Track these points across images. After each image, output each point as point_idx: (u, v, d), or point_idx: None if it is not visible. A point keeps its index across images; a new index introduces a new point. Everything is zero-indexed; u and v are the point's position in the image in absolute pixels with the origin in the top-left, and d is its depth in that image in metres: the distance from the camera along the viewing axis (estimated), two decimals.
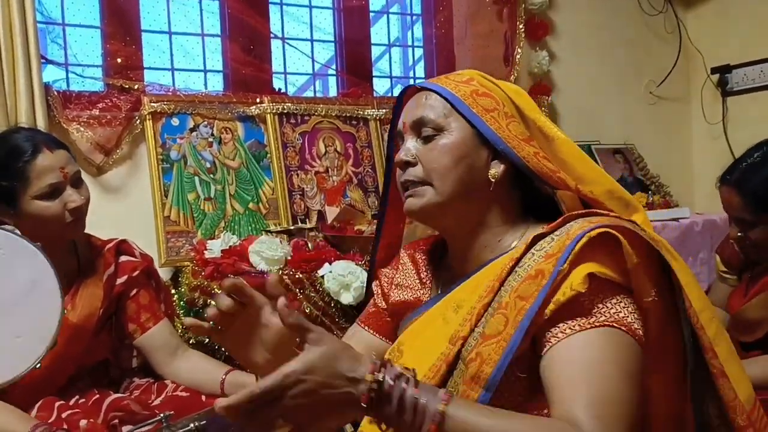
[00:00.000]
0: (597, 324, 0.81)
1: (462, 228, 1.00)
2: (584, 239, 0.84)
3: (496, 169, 0.97)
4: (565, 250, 0.84)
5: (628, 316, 0.82)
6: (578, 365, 0.79)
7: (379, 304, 1.14)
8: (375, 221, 2.19)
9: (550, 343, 0.82)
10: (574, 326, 0.81)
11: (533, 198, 1.00)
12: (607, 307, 0.82)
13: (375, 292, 1.16)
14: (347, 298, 1.77)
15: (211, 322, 0.88)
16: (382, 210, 1.19)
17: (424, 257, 1.12)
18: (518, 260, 0.90)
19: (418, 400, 0.73)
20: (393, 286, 1.12)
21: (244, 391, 0.69)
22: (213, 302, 0.89)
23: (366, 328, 1.15)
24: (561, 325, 0.82)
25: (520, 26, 2.74)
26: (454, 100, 0.98)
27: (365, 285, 1.24)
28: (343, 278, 1.77)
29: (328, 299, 1.79)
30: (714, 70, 3.09)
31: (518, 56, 2.73)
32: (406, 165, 0.99)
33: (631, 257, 0.84)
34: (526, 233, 0.97)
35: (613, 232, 0.84)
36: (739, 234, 1.70)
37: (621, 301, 0.83)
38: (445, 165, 0.96)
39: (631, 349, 0.81)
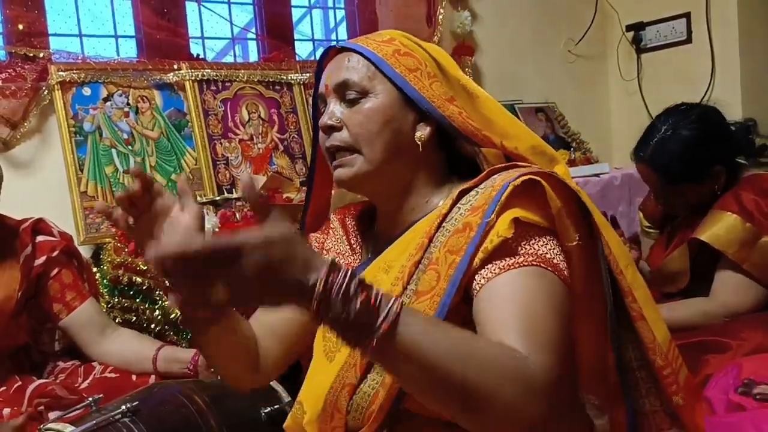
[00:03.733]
0: (524, 263, 0.82)
1: (390, 192, 1.00)
2: (509, 188, 0.85)
3: (422, 132, 0.97)
4: (491, 202, 0.85)
5: (554, 257, 0.84)
6: (507, 300, 0.80)
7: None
8: (304, 188, 2.17)
9: (480, 285, 0.83)
10: (502, 266, 0.82)
11: (456, 157, 1.02)
12: (534, 248, 0.84)
13: None
14: None
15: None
16: (310, 175, 1.16)
17: (353, 222, 1.11)
18: (445, 216, 0.91)
19: (371, 298, 0.67)
20: (323, 251, 1.10)
21: (198, 241, 0.63)
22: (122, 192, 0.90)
23: None
24: (489, 266, 0.83)
25: None
26: (377, 60, 0.97)
27: None
28: None
29: None
30: (629, 28, 3.17)
31: (440, 16, 2.72)
32: (331, 129, 0.97)
33: (554, 201, 0.86)
34: (451, 192, 0.97)
35: (536, 178, 0.86)
36: (660, 201, 1.78)
37: (547, 243, 0.85)
38: (372, 130, 0.95)
39: (558, 287, 0.83)
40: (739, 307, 1.62)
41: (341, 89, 0.98)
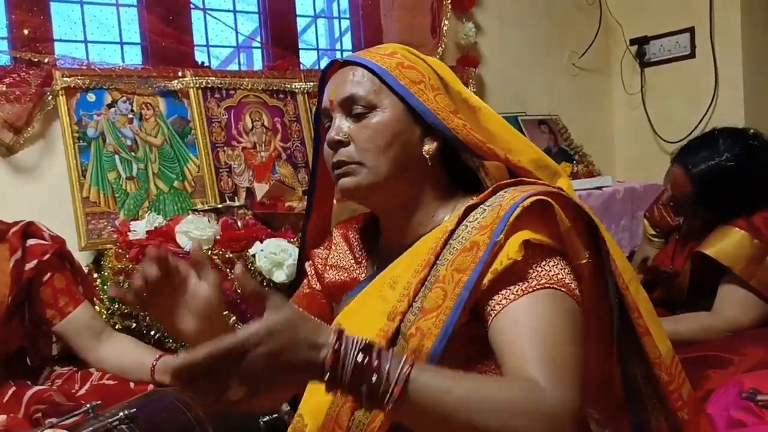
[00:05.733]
0: (537, 287, 0.83)
1: (396, 205, 0.99)
2: (518, 210, 0.85)
3: (430, 146, 0.97)
4: (499, 222, 0.85)
5: (565, 277, 0.84)
6: (525, 328, 0.80)
7: (314, 286, 1.12)
8: (306, 197, 2.17)
9: (495, 311, 0.83)
10: (516, 291, 0.83)
11: (459, 171, 1.01)
12: (545, 270, 0.84)
13: (309, 273, 1.14)
14: (280, 276, 1.74)
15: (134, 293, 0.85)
16: (311, 188, 1.16)
17: (357, 236, 1.10)
18: (452, 232, 0.90)
19: (380, 364, 0.70)
20: (327, 267, 1.10)
21: (201, 350, 0.64)
22: (137, 272, 0.86)
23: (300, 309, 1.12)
24: (503, 291, 0.83)
25: None
26: (382, 73, 0.96)
27: (297, 264, 1.22)
28: (275, 256, 1.74)
29: (261, 278, 1.75)
30: (632, 42, 3.18)
31: (445, 27, 2.73)
32: (338, 144, 0.97)
33: (563, 221, 0.86)
34: (456, 206, 0.97)
35: (545, 198, 0.86)
36: (671, 204, 1.77)
37: (557, 263, 0.85)
38: (380, 144, 0.94)
39: (570, 307, 0.83)
40: (742, 323, 1.62)
41: (347, 104, 0.97)
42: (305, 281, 1.14)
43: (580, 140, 3.07)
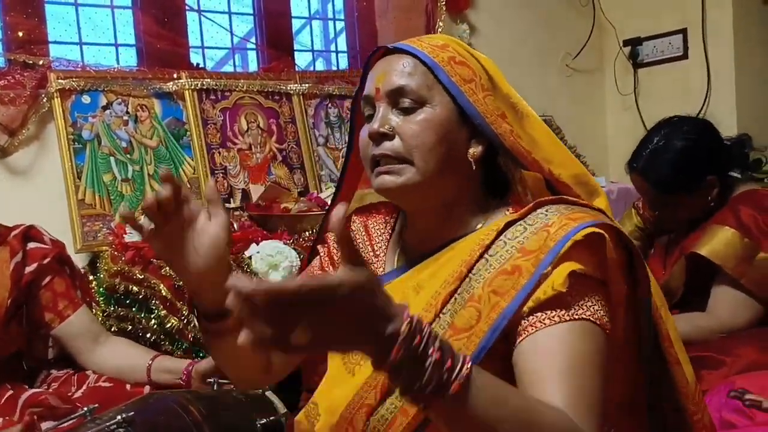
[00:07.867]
0: (575, 317, 0.80)
1: (432, 207, 0.95)
2: (570, 243, 0.82)
3: (475, 149, 0.92)
4: (548, 252, 0.82)
5: (602, 312, 0.82)
6: (556, 357, 0.78)
7: (327, 268, 1.07)
8: (301, 199, 2.18)
9: (527, 332, 0.81)
10: (553, 317, 0.80)
11: (493, 177, 0.97)
12: (586, 303, 0.82)
13: (321, 254, 1.09)
14: (276, 278, 1.74)
15: (143, 218, 0.82)
16: (342, 175, 1.11)
17: (378, 227, 1.06)
18: (488, 246, 0.87)
19: (444, 357, 0.65)
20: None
21: (292, 282, 0.59)
22: (151, 194, 0.83)
23: None
24: (538, 314, 0.81)
25: None
26: (433, 66, 0.91)
27: (312, 245, 1.17)
28: (271, 258, 1.74)
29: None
30: (626, 43, 3.19)
31: (439, 29, 2.73)
32: (382, 137, 0.91)
33: (612, 255, 0.84)
34: (490, 214, 0.94)
35: (599, 230, 0.83)
36: (654, 212, 1.79)
37: (598, 298, 0.83)
38: (428, 142, 0.89)
39: (602, 343, 0.81)
40: (736, 324, 1.62)
41: (395, 95, 0.91)
42: (316, 262, 1.09)
43: (574, 141, 3.08)
